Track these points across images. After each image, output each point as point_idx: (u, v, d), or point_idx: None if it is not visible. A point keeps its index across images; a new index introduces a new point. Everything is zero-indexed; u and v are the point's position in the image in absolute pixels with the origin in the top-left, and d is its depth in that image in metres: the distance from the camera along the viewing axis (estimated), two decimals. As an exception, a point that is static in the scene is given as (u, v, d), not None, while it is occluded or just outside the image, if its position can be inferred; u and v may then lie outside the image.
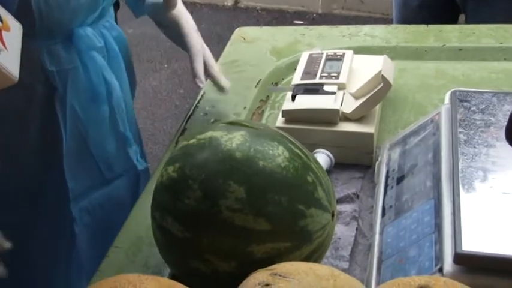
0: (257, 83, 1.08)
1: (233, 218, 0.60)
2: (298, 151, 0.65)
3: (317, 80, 0.93)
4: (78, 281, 0.96)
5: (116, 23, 0.99)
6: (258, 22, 3.53)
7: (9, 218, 0.87)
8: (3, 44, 0.55)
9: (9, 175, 0.87)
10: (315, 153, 0.85)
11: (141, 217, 0.80)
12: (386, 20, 3.04)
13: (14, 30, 0.58)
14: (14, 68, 0.56)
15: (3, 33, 0.56)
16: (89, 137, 0.93)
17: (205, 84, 0.94)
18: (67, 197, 0.92)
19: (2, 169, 0.81)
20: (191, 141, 0.66)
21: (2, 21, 0.56)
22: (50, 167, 0.91)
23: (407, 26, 1.27)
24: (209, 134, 0.65)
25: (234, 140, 0.63)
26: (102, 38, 0.92)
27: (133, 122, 1.02)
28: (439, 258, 0.60)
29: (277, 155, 0.63)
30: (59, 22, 0.84)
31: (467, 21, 1.72)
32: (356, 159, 0.88)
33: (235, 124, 0.67)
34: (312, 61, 0.99)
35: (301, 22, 3.52)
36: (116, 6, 1.00)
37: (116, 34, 0.96)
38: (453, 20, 1.76)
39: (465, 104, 0.77)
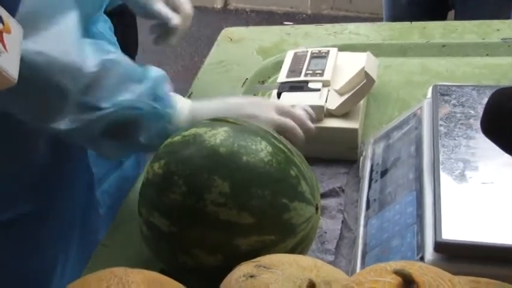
0: (244, 82, 1.09)
1: (218, 212, 0.61)
2: (281, 146, 0.66)
3: (302, 78, 0.95)
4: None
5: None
6: (247, 24, 3.54)
7: (29, 209, 0.87)
8: (4, 46, 0.56)
9: (32, 164, 0.87)
10: None
11: (128, 215, 0.81)
12: (374, 20, 3.05)
13: (15, 33, 0.59)
14: (13, 70, 0.57)
15: (4, 35, 0.56)
16: None
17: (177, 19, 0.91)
18: (93, 182, 0.94)
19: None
20: (175, 138, 0.67)
21: (3, 24, 0.57)
22: (76, 152, 0.91)
23: (392, 23, 1.28)
24: (193, 130, 0.66)
25: (218, 136, 0.64)
26: (111, 31, 0.93)
27: None
28: (420, 247, 0.62)
29: (261, 149, 0.64)
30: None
31: (456, 18, 1.73)
32: (341, 154, 0.89)
33: (218, 120, 0.68)
34: (297, 59, 1.00)
35: (291, 23, 3.53)
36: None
37: (109, 25, 0.97)
38: (442, 17, 1.78)
39: (446, 98, 0.79)
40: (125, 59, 0.77)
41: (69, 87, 0.71)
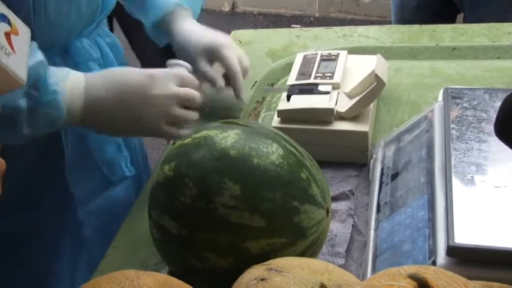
0: (253, 85, 1.09)
1: (229, 215, 0.61)
2: (292, 148, 0.66)
3: (312, 80, 0.94)
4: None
5: (111, 29, 0.99)
6: (255, 27, 3.54)
7: (11, 226, 0.88)
8: (12, 48, 0.56)
9: (10, 183, 0.88)
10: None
11: (139, 217, 0.81)
12: (383, 23, 3.04)
13: (23, 34, 0.59)
14: (22, 72, 0.57)
15: (12, 37, 0.57)
16: (90, 144, 0.93)
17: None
18: (71, 202, 0.93)
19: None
20: (186, 141, 0.67)
21: (11, 26, 0.57)
22: (52, 175, 0.92)
23: (401, 26, 1.28)
24: (204, 133, 0.66)
25: (229, 139, 0.64)
26: (97, 47, 0.93)
27: None
28: (432, 251, 0.61)
29: (272, 152, 0.64)
30: (58, 36, 0.84)
31: (465, 21, 1.73)
32: (351, 157, 0.88)
33: (229, 123, 0.68)
34: (307, 62, 1.00)
35: (299, 26, 3.54)
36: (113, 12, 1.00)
37: (110, 40, 0.96)
38: (451, 20, 1.77)
39: (457, 101, 0.78)
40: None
41: None
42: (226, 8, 3.80)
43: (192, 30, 0.94)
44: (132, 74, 0.80)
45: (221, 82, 0.90)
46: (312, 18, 3.64)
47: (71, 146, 0.90)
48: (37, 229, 0.92)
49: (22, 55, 0.57)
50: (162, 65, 0.89)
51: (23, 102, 0.71)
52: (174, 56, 0.95)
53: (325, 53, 1.01)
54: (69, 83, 0.75)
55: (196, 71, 0.90)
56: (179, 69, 0.86)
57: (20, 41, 0.57)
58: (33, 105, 0.72)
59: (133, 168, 1.00)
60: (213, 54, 0.90)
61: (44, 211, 0.92)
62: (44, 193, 0.91)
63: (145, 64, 2.03)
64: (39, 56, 0.72)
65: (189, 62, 0.92)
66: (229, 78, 0.91)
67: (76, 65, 0.88)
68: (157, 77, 0.79)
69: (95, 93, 0.76)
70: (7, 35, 0.55)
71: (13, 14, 0.57)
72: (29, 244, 0.91)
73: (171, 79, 0.79)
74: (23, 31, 0.58)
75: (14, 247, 0.91)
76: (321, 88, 0.92)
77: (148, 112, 0.77)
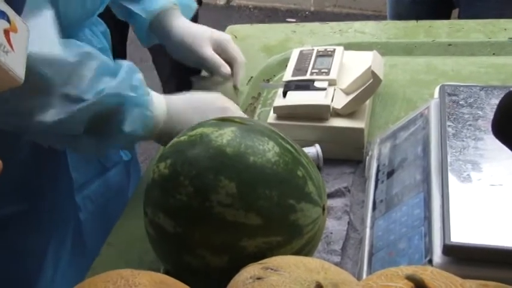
0: (249, 80, 1.09)
1: (224, 213, 0.61)
2: (288, 146, 0.66)
3: (308, 76, 0.94)
4: (85, 265, 0.98)
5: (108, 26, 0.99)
6: (250, 20, 3.54)
7: (13, 210, 0.88)
8: (11, 46, 0.55)
9: (10, 170, 0.87)
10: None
11: (134, 214, 0.81)
12: (378, 17, 3.05)
13: (22, 32, 0.58)
14: (20, 70, 0.57)
15: (11, 34, 0.56)
16: None
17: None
18: (72, 187, 0.94)
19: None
20: (182, 138, 0.67)
21: (10, 23, 0.56)
22: (55, 161, 0.92)
23: (397, 22, 1.28)
24: (199, 130, 0.66)
25: (225, 136, 0.64)
26: (96, 36, 0.93)
27: None
28: (428, 250, 0.61)
29: (268, 150, 0.63)
30: (64, 27, 0.84)
31: (460, 16, 1.73)
32: (347, 154, 0.88)
33: (225, 120, 0.68)
34: (303, 58, 0.99)
35: (294, 20, 3.53)
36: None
37: (103, 29, 0.96)
38: (446, 15, 1.77)
39: (454, 98, 0.78)
40: (98, 53, 0.78)
41: (52, 78, 0.72)
42: (222, 1, 3.78)
43: (191, 25, 0.97)
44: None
45: (228, 70, 0.94)
46: (307, 12, 3.63)
47: None
48: (41, 214, 0.92)
49: (21, 53, 0.57)
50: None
51: (126, 97, 0.76)
52: None
53: (321, 49, 1.00)
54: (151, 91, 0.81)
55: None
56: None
57: (19, 39, 0.57)
58: (132, 103, 0.76)
59: (128, 153, 1.01)
60: (219, 46, 0.94)
61: (49, 197, 0.92)
62: (44, 178, 0.91)
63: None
64: (131, 63, 0.79)
65: (189, 57, 0.94)
66: (232, 67, 0.95)
67: None
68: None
69: (172, 102, 0.82)
70: (6, 33, 0.55)
71: (12, 11, 0.56)
72: (33, 228, 0.91)
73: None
74: (22, 28, 0.58)
75: (14, 232, 0.90)
76: (317, 84, 0.92)
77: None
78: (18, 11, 0.58)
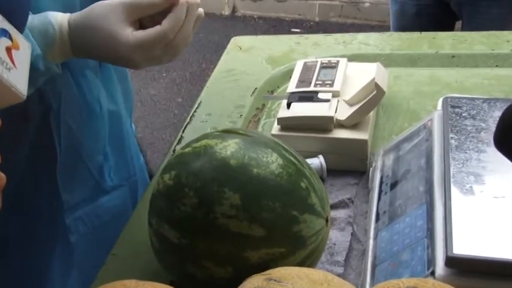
0: (253, 92, 1.09)
1: (228, 224, 0.61)
2: (291, 158, 0.66)
3: (312, 88, 0.95)
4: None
5: None
6: (255, 31, 3.55)
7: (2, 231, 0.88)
8: (13, 62, 0.56)
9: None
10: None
11: (138, 225, 0.81)
12: (382, 28, 3.06)
13: (24, 49, 0.59)
14: (22, 86, 0.58)
15: (13, 51, 0.57)
16: (84, 151, 0.93)
17: None
18: (61, 208, 0.93)
19: None
20: (186, 150, 0.67)
21: (12, 40, 0.57)
22: (44, 181, 0.92)
23: (401, 33, 1.28)
24: (204, 142, 0.67)
25: (229, 148, 0.65)
26: None
27: (130, 134, 1.02)
28: (431, 261, 0.61)
29: (271, 162, 0.64)
30: None
31: (463, 28, 1.74)
32: (351, 165, 0.89)
33: (229, 132, 0.68)
34: (307, 69, 1.00)
35: (299, 30, 3.54)
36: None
37: None
38: (450, 27, 1.78)
39: (457, 110, 0.78)
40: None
41: None
42: (227, 11, 3.80)
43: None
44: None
45: None
46: (312, 23, 3.65)
47: (64, 153, 0.90)
48: (27, 235, 0.92)
49: (23, 69, 0.58)
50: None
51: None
52: None
53: (325, 60, 1.01)
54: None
55: None
56: None
57: (21, 56, 0.58)
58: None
59: (116, 179, 0.98)
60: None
61: (34, 217, 0.92)
62: (35, 199, 0.91)
63: None
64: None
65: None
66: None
67: (72, 72, 0.86)
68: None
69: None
70: (8, 50, 0.56)
71: (14, 29, 0.57)
72: (21, 249, 0.91)
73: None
74: (24, 45, 0.59)
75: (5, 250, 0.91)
76: (320, 96, 0.93)
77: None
78: (20, 28, 0.59)
